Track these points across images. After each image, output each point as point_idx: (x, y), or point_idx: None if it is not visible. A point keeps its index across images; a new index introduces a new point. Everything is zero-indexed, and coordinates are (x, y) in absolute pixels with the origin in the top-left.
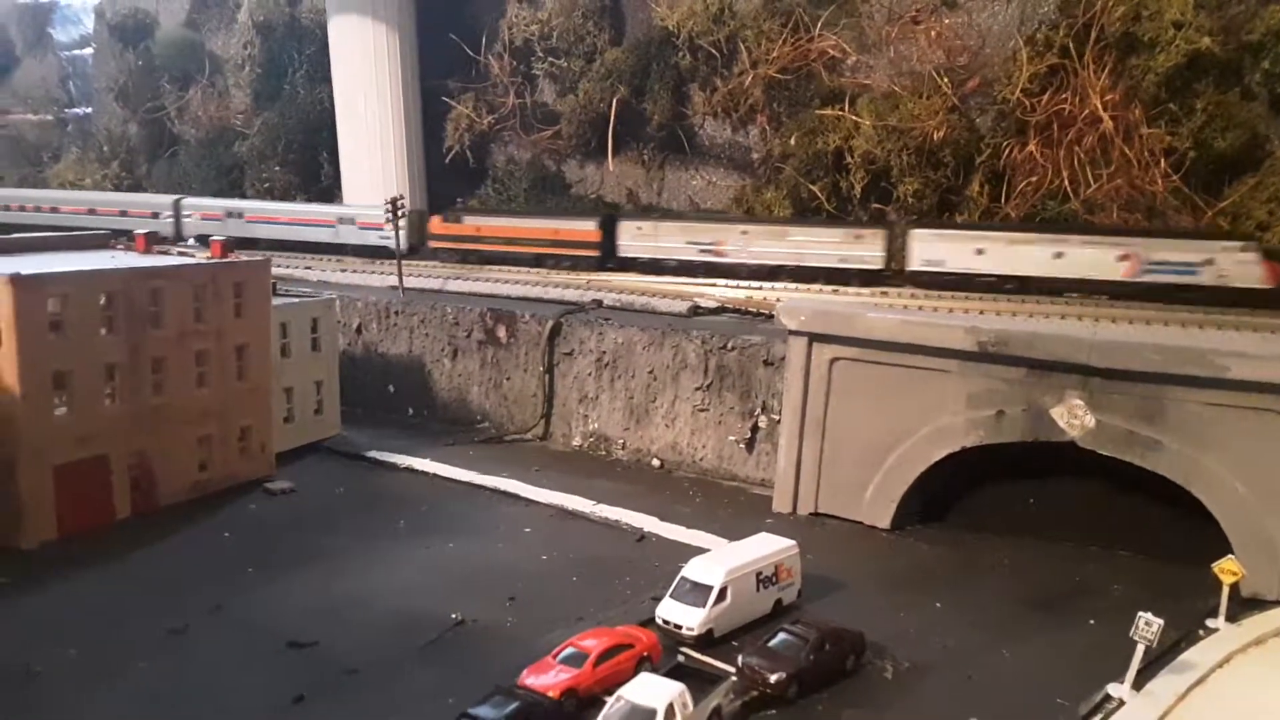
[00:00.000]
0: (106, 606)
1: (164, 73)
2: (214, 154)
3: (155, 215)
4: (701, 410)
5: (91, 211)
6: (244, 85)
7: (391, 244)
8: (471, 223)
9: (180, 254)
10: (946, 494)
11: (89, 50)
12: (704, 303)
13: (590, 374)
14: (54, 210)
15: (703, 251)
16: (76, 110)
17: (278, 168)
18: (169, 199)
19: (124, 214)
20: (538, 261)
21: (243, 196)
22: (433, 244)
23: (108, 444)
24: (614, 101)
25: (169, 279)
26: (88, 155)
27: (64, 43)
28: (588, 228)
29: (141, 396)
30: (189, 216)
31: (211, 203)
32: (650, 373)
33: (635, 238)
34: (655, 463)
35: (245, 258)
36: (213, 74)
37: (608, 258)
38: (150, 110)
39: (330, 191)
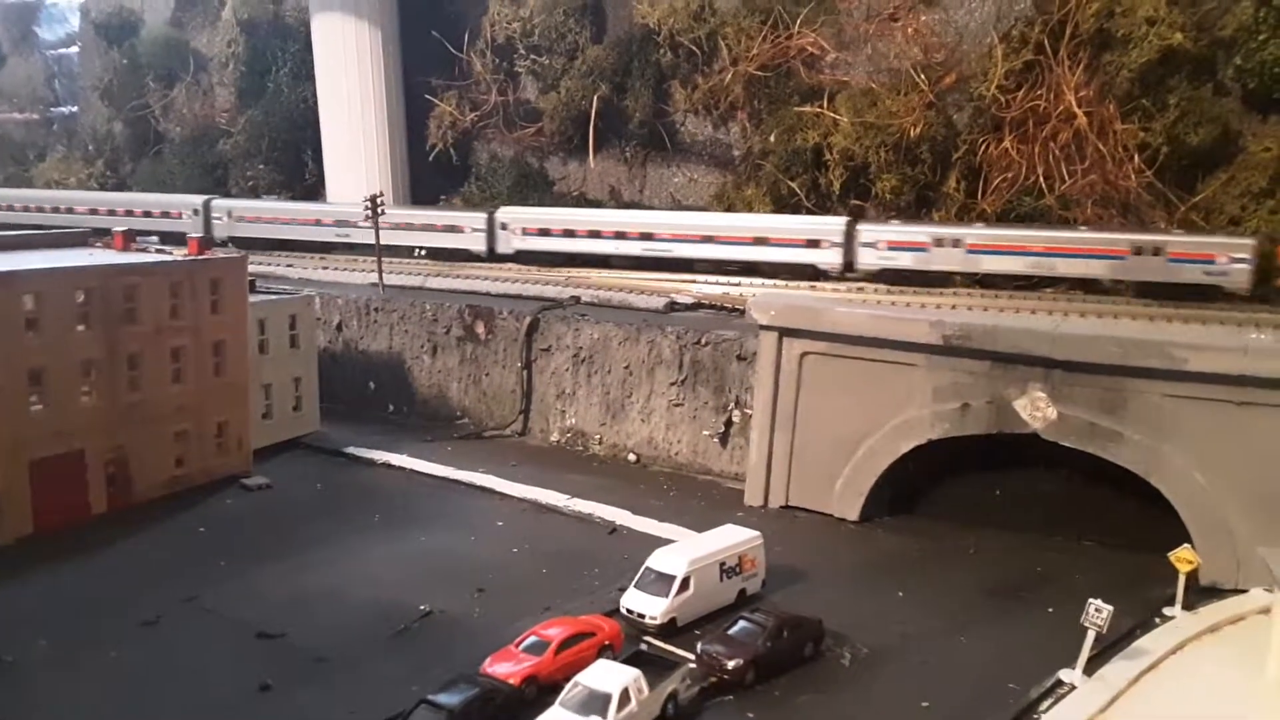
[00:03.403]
0: (80, 599)
1: (149, 71)
2: (198, 152)
3: (750, 241)
4: (676, 405)
5: (594, 235)
6: (228, 83)
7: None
8: None
9: (157, 251)
10: (915, 486)
11: (74, 49)
12: (680, 299)
13: (567, 370)
14: (594, 235)
15: None
16: (62, 109)
17: (262, 165)
18: (836, 223)
19: (647, 237)
20: None
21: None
22: None
23: (84, 440)
24: (595, 99)
25: (145, 276)
26: (73, 154)
27: (49, 41)
28: None
29: (118, 392)
30: (864, 241)
31: (906, 230)
32: (626, 368)
33: None
34: (631, 457)
35: (222, 254)
36: (197, 72)
37: None
38: (135, 109)
39: (314, 190)
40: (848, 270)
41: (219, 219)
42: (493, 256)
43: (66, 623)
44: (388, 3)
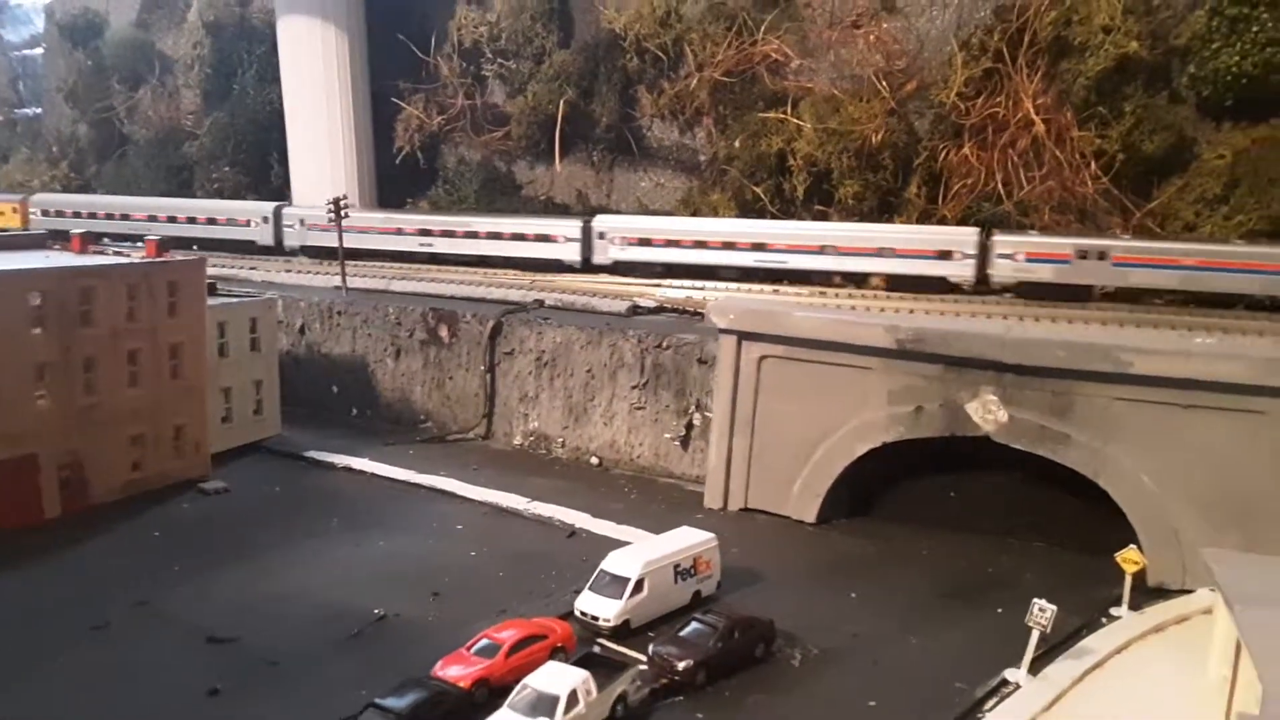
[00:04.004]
0: (30, 604)
1: (114, 73)
2: (164, 154)
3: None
4: (638, 408)
5: (701, 245)
6: (194, 85)
7: None
8: None
9: (115, 254)
10: (872, 489)
11: (39, 50)
12: (643, 302)
13: (530, 373)
14: (701, 245)
15: None
16: (26, 110)
17: (227, 168)
18: (969, 233)
19: (759, 248)
20: None
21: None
22: None
23: (37, 443)
24: (562, 103)
25: (101, 278)
26: (37, 155)
27: (14, 43)
28: None
29: (73, 396)
30: (1001, 252)
31: (1047, 241)
32: (588, 371)
33: None
34: (594, 460)
35: (179, 256)
36: (163, 74)
37: None
38: (100, 110)
39: (281, 192)
40: (980, 284)
41: (290, 227)
42: (587, 268)
43: (16, 627)
44: (354, 6)
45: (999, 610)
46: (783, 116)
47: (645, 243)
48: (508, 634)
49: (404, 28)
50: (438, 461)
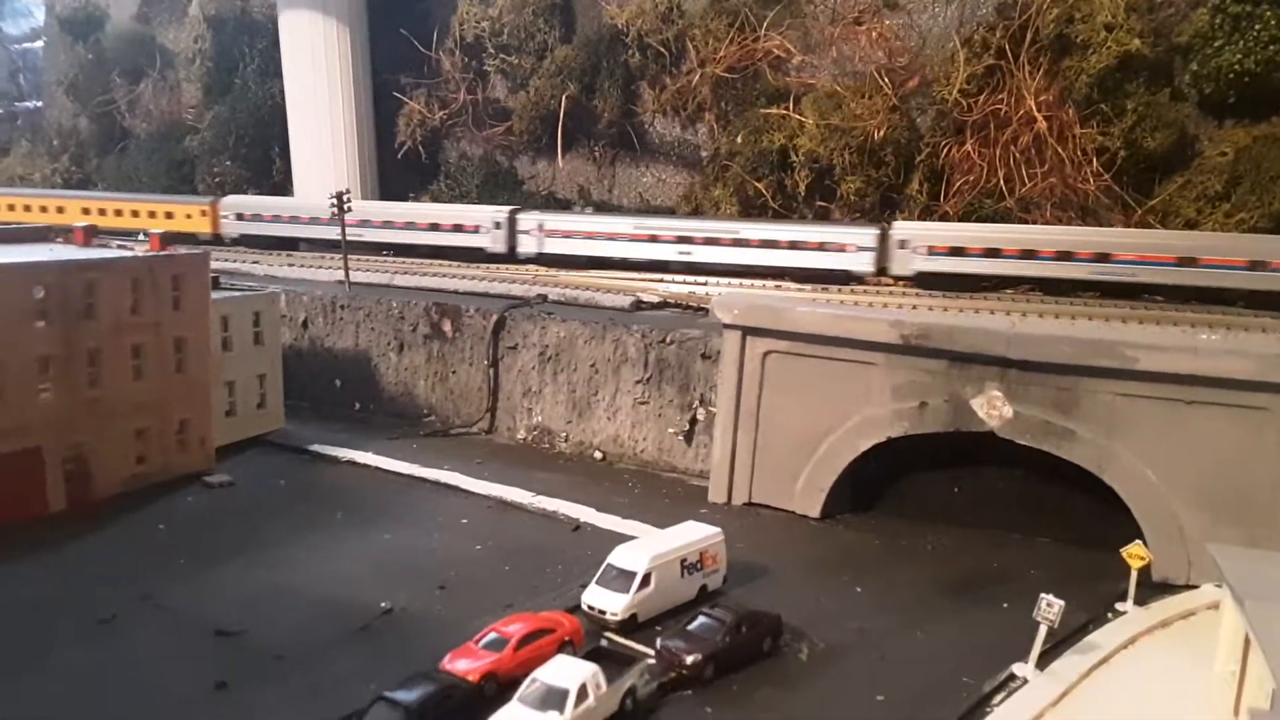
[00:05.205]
0: (35, 598)
1: (115, 66)
2: (164, 148)
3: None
4: (642, 403)
5: (1028, 255)
6: (195, 79)
7: None
8: None
9: (119, 247)
10: (876, 483)
11: (39, 43)
12: (647, 298)
13: (534, 368)
14: (1028, 255)
15: None
16: (26, 104)
17: (229, 162)
18: None
19: (1102, 259)
20: None
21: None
22: None
23: (41, 436)
24: (564, 98)
25: (105, 271)
26: (38, 149)
27: (14, 36)
28: None
29: (77, 389)
30: None
31: None
32: (592, 366)
33: None
34: (597, 455)
35: (184, 250)
36: (164, 68)
37: None
38: (101, 104)
39: (283, 187)
40: None
41: (526, 233)
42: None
43: (22, 621)
44: (356, 0)
45: (1004, 605)
46: (785, 112)
47: (958, 252)
48: (516, 628)
49: (406, 22)
50: (441, 455)
